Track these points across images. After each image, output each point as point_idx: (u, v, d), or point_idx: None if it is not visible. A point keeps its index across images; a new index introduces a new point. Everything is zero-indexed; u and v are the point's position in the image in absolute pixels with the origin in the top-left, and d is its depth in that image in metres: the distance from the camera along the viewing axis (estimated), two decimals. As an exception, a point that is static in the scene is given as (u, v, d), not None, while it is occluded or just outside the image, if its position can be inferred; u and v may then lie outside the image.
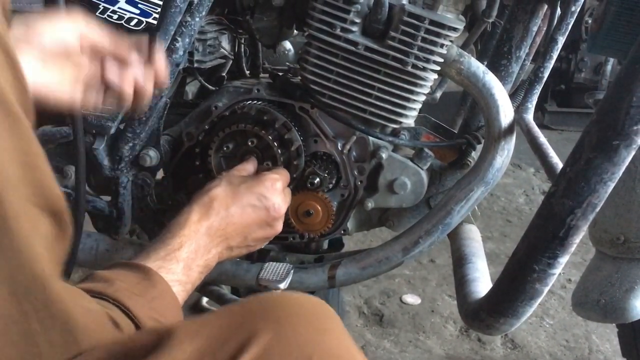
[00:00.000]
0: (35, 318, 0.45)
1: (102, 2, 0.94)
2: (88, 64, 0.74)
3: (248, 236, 0.86)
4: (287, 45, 1.45)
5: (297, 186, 1.05)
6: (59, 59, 0.70)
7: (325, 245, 1.28)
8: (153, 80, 0.80)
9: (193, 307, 1.84)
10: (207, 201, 0.83)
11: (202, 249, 0.79)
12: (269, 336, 0.48)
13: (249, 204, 0.86)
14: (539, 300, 0.81)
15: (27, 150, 0.46)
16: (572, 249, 0.77)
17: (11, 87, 0.45)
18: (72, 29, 0.71)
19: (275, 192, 0.89)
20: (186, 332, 0.49)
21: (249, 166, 0.97)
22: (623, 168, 0.72)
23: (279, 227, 0.91)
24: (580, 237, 0.76)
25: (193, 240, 0.78)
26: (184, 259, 0.75)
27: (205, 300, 1.82)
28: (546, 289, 0.80)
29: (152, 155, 1.06)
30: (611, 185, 0.72)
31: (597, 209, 0.74)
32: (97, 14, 0.94)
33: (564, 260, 0.77)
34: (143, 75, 0.78)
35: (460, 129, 1.21)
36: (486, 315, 0.85)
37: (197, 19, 1.00)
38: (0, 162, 0.43)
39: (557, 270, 0.79)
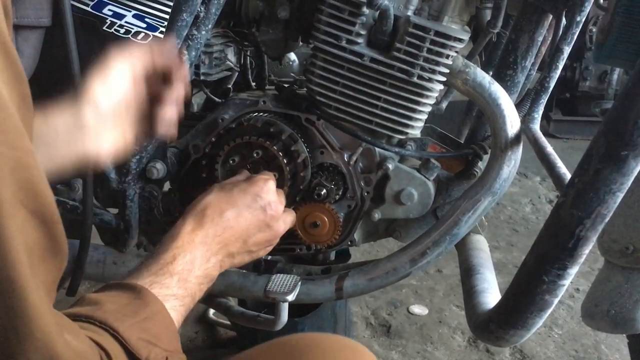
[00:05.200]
0: (15, 342, 0.42)
1: (110, 16, 0.95)
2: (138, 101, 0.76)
3: (248, 240, 0.82)
4: (292, 56, 1.45)
5: (304, 197, 1.05)
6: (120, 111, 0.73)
7: (333, 256, 1.27)
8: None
9: (200, 319, 1.84)
10: (200, 210, 0.79)
11: (200, 259, 0.75)
12: None
13: (244, 206, 0.82)
14: (549, 311, 0.81)
15: (15, 144, 0.42)
16: (582, 259, 0.76)
17: (7, 85, 0.42)
18: (128, 68, 0.74)
19: (269, 191, 0.86)
20: None
21: (241, 177, 0.95)
22: (632, 178, 0.71)
23: (278, 228, 0.86)
24: (589, 247, 0.75)
25: (187, 251, 0.74)
26: (178, 272, 0.71)
27: (212, 312, 1.82)
28: (556, 300, 0.79)
29: (159, 168, 1.06)
30: (620, 196, 0.72)
31: (606, 220, 0.73)
32: (104, 28, 0.95)
33: (573, 271, 0.77)
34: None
35: (466, 139, 1.21)
36: (495, 326, 0.84)
37: (204, 32, 1.00)
38: None
39: (567, 282, 0.78)
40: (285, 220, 0.89)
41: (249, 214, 0.82)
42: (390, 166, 1.05)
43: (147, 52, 0.77)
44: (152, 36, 0.96)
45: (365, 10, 0.94)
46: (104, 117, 0.71)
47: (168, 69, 0.78)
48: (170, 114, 0.78)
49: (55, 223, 0.46)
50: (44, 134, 0.65)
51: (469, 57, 1.09)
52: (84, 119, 0.69)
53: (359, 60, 0.97)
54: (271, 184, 0.88)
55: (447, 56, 0.96)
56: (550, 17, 1.07)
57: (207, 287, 0.76)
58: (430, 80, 0.97)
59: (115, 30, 0.95)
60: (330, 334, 0.78)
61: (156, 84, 0.78)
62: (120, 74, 0.73)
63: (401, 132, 1.02)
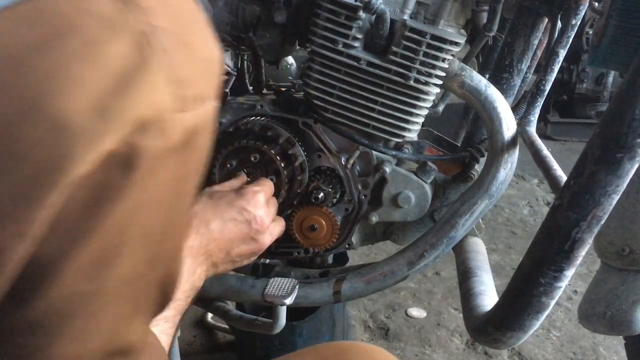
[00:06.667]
0: None
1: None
2: None
3: (231, 251, 0.82)
4: (289, 60, 1.45)
5: (301, 201, 1.06)
6: None
7: (330, 259, 1.27)
8: None
9: (198, 323, 1.84)
10: None
11: (187, 272, 0.75)
12: None
13: (230, 218, 0.82)
14: (546, 313, 0.81)
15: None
16: (578, 261, 0.77)
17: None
18: None
19: (257, 205, 0.86)
20: None
21: (235, 182, 0.95)
22: (627, 180, 0.72)
23: (263, 240, 0.86)
24: (585, 249, 0.76)
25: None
26: None
27: (210, 316, 1.82)
28: (553, 302, 0.80)
29: (156, 172, 1.06)
30: (615, 198, 0.72)
31: (602, 222, 0.74)
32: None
33: (570, 273, 0.77)
34: None
35: (463, 141, 1.21)
36: (493, 329, 0.85)
37: (201, 37, 1.00)
38: None
39: (564, 284, 0.78)
40: (272, 233, 0.89)
41: (234, 227, 0.82)
42: (388, 169, 1.05)
43: None
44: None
45: (362, 14, 0.95)
46: None
47: None
48: None
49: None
50: None
51: (465, 60, 1.10)
52: None
53: (355, 64, 0.97)
54: (260, 197, 0.87)
55: (444, 60, 0.97)
56: (546, 20, 1.08)
57: (192, 298, 0.76)
58: (426, 83, 0.97)
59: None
60: (370, 344, 0.78)
61: None
62: None
63: (398, 135, 1.02)
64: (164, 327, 0.67)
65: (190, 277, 0.76)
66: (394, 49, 0.96)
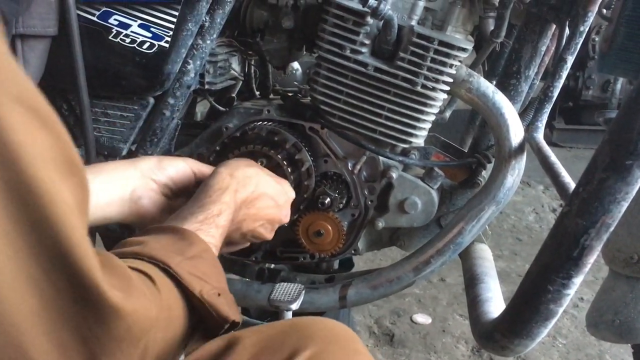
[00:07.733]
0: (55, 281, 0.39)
1: (115, 26, 0.95)
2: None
3: (260, 211, 0.84)
4: (295, 65, 1.46)
5: (308, 206, 1.06)
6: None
7: (336, 265, 1.27)
8: None
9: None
10: (242, 177, 0.81)
11: (234, 221, 0.78)
12: (311, 351, 0.59)
13: (264, 172, 0.86)
14: (554, 320, 0.81)
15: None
16: (587, 269, 0.76)
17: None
18: (187, 165, 0.85)
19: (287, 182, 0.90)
20: (249, 338, 0.61)
21: None
22: (637, 187, 0.71)
23: (286, 212, 0.88)
24: (594, 257, 0.76)
25: (232, 210, 0.76)
26: (222, 226, 0.73)
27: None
28: (561, 310, 0.79)
29: (163, 176, 1.06)
30: (625, 205, 0.72)
31: (611, 229, 0.73)
32: (110, 37, 0.95)
33: (578, 280, 0.77)
34: None
35: (470, 148, 1.21)
36: (500, 336, 0.84)
37: (208, 42, 1.01)
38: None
39: (572, 291, 0.78)
40: (287, 215, 0.89)
41: (270, 179, 0.86)
42: (394, 175, 1.05)
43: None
44: (157, 45, 0.97)
45: (370, 20, 0.95)
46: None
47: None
48: None
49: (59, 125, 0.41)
50: None
51: (473, 66, 1.10)
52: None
53: (363, 69, 0.97)
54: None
55: (451, 65, 0.97)
56: (554, 26, 1.07)
57: (223, 237, 0.78)
58: (434, 89, 0.97)
59: (121, 39, 0.96)
60: (330, 319, 0.77)
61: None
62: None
63: (405, 141, 1.02)
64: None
65: (231, 226, 0.78)
66: (402, 54, 0.96)
